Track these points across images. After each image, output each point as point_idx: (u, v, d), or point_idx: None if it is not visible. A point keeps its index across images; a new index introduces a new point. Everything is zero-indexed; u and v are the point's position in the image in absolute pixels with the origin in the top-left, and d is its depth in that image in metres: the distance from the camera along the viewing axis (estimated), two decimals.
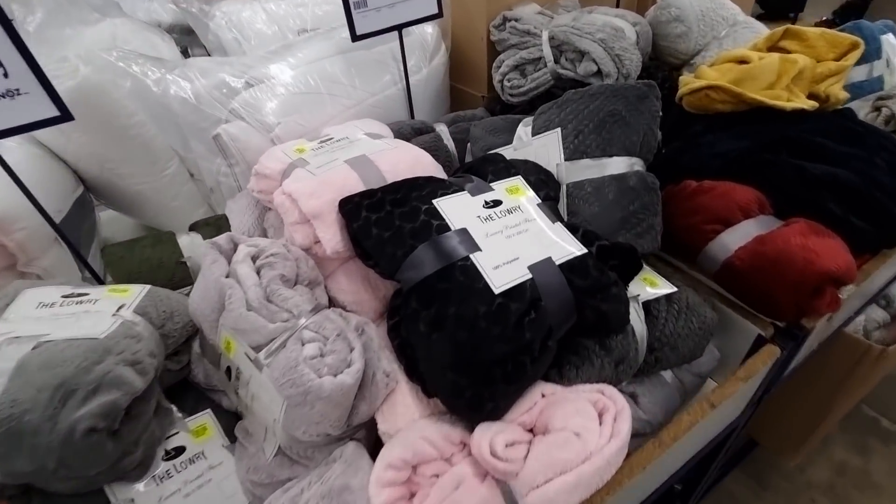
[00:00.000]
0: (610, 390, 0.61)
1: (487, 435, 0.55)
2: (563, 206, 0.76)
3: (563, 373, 0.62)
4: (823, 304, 0.70)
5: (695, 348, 0.70)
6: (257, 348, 0.62)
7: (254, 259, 0.67)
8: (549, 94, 1.10)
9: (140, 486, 0.58)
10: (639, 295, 0.70)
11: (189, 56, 1.38)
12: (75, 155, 1.05)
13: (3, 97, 0.64)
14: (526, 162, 0.77)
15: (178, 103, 0.92)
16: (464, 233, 0.61)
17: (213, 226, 0.96)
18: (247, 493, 0.65)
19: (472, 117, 1.14)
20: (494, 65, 1.15)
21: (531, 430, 0.60)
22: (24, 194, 0.75)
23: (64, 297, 0.65)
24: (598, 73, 1.01)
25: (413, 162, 0.79)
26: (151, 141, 1.06)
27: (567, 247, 0.62)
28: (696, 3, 1.18)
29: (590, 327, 0.62)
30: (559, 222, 0.66)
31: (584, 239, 0.65)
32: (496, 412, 0.57)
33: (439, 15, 1.04)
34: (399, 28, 1.01)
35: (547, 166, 0.78)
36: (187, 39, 1.40)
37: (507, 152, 0.86)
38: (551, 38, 1.06)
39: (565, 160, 0.77)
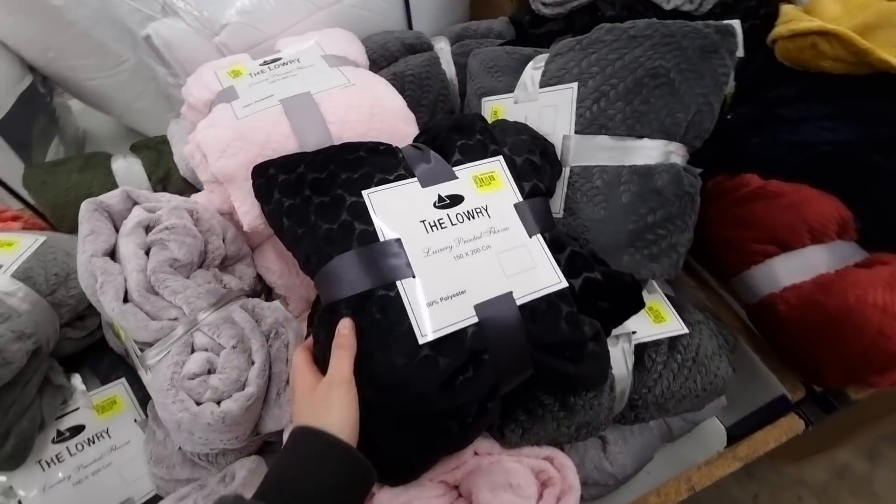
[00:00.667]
0: (560, 459, 0.48)
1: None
2: (559, 197, 0.56)
3: (504, 432, 0.49)
4: (887, 382, 0.52)
5: (691, 408, 0.55)
6: (143, 345, 0.51)
7: (148, 229, 0.54)
8: (592, 9, 0.81)
9: (19, 473, 0.53)
10: (634, 332, 0.54)
11: None
12: (13, 38, 0.90)
13: None
14: (519, 130, 0.55)
15: None
16: (396, 246, 0.44)
17: (154, 149, 0.81)
18: (152, 478, 0.60)
19: (486, 32, 0.87)
20: None
21: (456, 488, 0.50)
22: None
23: None
24: None
25: (371, 110, 0.59)
26: (93, 29, 0.88)
27: (537, 279, 0.45)
28: None
29: (550, 385, 0.47)
30: (539, 235, 0.48)
31: (570, 265, 0.47)
32: (406, 478, 0.46)
33: None
34: None
35: (550, 136, 0.57)
36: None
37: (507, 104, 0.64)
38: None
39: (576, 132, 0.55)
